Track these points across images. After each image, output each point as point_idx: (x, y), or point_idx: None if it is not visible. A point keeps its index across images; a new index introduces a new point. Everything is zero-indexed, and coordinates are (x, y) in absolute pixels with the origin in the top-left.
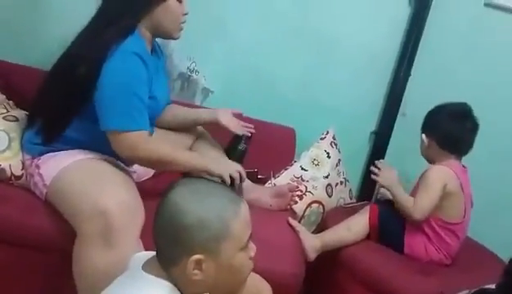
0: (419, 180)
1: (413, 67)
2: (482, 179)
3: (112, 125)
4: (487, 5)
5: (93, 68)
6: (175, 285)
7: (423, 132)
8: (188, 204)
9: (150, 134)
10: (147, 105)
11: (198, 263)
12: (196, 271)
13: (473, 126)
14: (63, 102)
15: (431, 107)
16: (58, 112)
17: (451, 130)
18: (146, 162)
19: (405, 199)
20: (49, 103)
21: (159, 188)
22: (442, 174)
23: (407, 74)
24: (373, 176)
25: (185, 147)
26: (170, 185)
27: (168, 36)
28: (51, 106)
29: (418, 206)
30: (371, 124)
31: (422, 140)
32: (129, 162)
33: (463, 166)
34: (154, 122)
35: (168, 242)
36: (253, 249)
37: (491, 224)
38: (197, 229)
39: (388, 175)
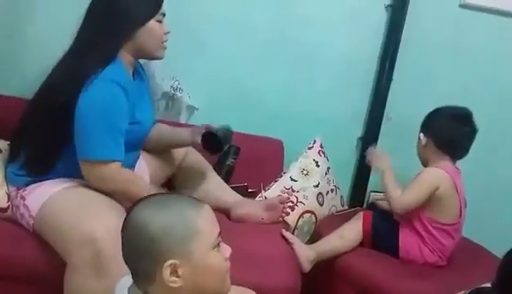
0: (412, 179)
1: (395, 71)
2: (469, 177)
3: (84, 154)
4: (462, 6)
5: (71, 97)
6: None
7: (421, 131)
8: (149, 215)
9: (122, 165)
10: (130, 130)
11: (173, 269)
12: (174, 278)
13: (473, 131)
14: (43, 134)
15: (415, 109)
16: (39, 145)
17: (451, 131)
18: (116, 194)
19: (392, 187)
20: (31, 135)
21: None
22: (435, 176)
23: (390, 78)
24: (367, 162)
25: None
26: (131, 206)
27: (152, 56)
28: (33, 139)
29: (401, 199)
30: (357, 130)
31: (419, 139)
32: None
33: (456, 168)
34: (141, 146)
35: (139, 260)
36: (227, 249)
37: (485, 223)
38: (163, 235)
39: (381, 160)
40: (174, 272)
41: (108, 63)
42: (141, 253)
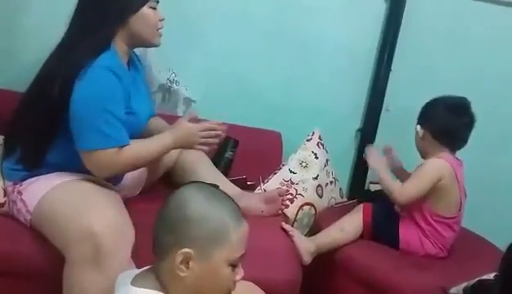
0: (414, 170)
1: (393, 62)
2: (470, 168)
3: (84, 145)
4: None
5: (66, 86)
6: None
7: (418, 123)
8: (196, 198)
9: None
10: (126, 121)
11: (186, 258)
12: (182, 266)
13: (470, 121)
14: (40, 125)
15: (415, 100)
16: (36, 136)
17: (447, 122)
18: (124, 172)
19: (390, 182)
20: (26, 127)
21: (146, 204)
22: (438, 167)
23: (388, 70)
24: (364, 156)
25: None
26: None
27: (148, 44)
28: (28, 131)
29: (404, 190)
30: (356, 122)
31: (416, 132)
32: (114, 178)
33: (457, 159)
34: (137, 136)
35: (165, 231)
36: (240, 273)
37: (486, 214)
38: (197, 222)
39: (376, 158)
40: (186, 262)
41: (101, 51)
42: (171, 226)
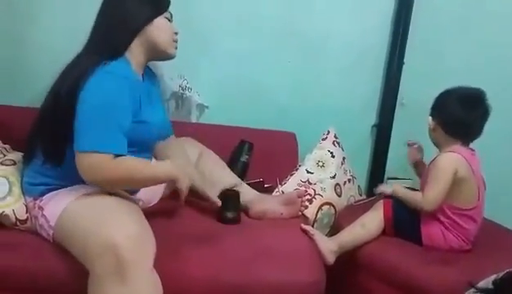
0: (428, 167)
1: (405, 53)
2: (487, 159)
3: (80, 146)
4: None
5: (73, 87)
6: None
7: (430, 115)
8: None
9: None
10: (134, 130)
11: None
12: None
13: (483, 113)
14: (56, 121)
15: (429, 92)
16: (55, 130)
17: (458, 115)
18: (108, 185)
19: (412, 196)
20: (46, 126)
21: (166, 213)
22: (452, 161)
23: (401, 63)
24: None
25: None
26: None
27: (164, 54)
28: (48, 129)
29: (428, 197)
30: (371, 118)
31: (428, 123)
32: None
33: (471, 149)
34: (149, 148)
35: None
36: None
37: (506, 204)
38: None
39: (388, 187)
40: None
41: (114, 58)
42: None
